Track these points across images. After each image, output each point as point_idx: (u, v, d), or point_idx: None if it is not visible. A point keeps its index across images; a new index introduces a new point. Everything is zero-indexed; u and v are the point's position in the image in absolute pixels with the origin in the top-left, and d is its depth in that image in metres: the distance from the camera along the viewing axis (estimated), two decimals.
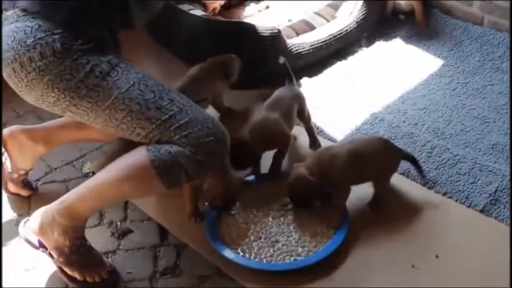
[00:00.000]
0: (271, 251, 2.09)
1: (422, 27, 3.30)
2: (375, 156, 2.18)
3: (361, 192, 2.24)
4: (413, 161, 2.33)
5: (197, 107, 1.93)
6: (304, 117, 2.52)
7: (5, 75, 1.90)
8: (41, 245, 2.00)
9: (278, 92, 2.47)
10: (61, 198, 1.97)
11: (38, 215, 1.99)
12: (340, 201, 2.17)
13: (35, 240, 2.01)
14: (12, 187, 2.33)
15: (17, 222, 2.23)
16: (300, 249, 2.09)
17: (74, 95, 1.83)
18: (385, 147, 2.25)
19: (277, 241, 2.12)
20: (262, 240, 2.13)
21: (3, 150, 2.29)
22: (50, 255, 2.00)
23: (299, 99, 2.48)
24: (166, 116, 1.82)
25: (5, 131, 2.29)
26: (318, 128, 2.65)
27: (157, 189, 1.89)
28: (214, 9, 3.13)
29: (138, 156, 1.84)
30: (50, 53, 1.80)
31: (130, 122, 1.83)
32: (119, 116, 1.83)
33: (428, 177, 2.38)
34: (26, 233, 2.03)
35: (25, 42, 1.81)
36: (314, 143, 2.55)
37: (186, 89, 2.29)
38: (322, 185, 2.13)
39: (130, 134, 1.87)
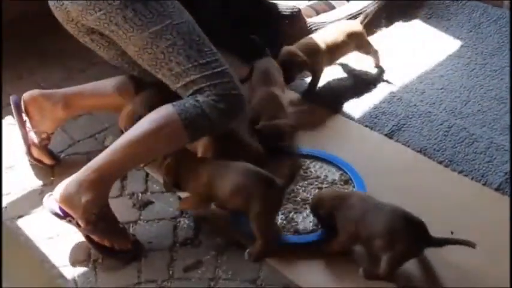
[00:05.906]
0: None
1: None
2: None
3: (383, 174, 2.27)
4: None
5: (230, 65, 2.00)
6: None
7: None
8: (67, 215, 2.01)
9: (262, 66, 2.56)
10: (87, 166, 1.99)
11: (64, 185, 2.00)
12: None
13: (60, 210, 2.02)
14: (35, 152, 2.36)
15: (41, 192, 2.29)
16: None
17: (129, 5, 1.88)
18: None
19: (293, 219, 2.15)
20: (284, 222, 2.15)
21: (24, 115, 2.35)
22: (77, 224, 2.01)
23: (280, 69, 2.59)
24: (204, 61, 1.88)
25: (26, 95, 2.36)
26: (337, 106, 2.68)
27: (181, 142, 1.96)
28: None
29: (165, 111, 1.89)
30: None
31: (170, 53, 1.88)
32: (162, 44, 1.88)
33: (444, 155, 2.41)
34: (52, 205, 2.04)
35: None
36: None
37: None
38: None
39: (161, 67, 1.91)
